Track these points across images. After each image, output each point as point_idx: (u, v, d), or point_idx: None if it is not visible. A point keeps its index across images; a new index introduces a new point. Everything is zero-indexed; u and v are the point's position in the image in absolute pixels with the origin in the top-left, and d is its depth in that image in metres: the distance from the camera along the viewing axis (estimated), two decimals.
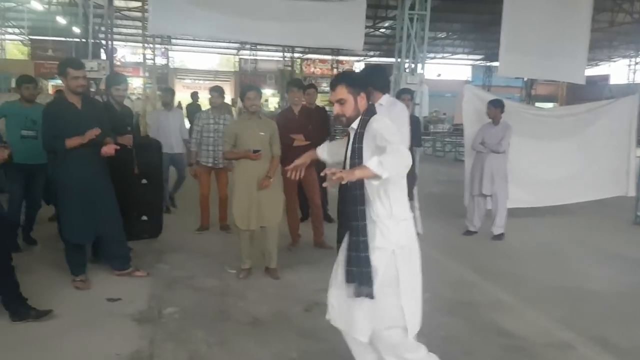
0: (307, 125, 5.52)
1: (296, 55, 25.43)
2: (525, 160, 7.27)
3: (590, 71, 30.33)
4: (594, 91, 24.64)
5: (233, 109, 20.36)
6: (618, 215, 7.94)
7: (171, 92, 7.66)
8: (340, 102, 2.70)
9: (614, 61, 30.44)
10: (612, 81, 29.61)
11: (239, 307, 4.19)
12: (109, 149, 4.25)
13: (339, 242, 2.98)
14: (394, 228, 2.68)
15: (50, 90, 19.95)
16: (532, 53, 7.19)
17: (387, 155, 2.37)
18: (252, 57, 26.34)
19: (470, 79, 30.44)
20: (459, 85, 18.80)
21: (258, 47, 26.12)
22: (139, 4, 18.12)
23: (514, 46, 7.19)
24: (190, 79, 30.90)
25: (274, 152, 4.81)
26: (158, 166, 6.18)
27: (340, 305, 2.83)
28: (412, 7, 6.93)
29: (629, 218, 7.83)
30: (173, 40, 26.76)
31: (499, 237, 6.65)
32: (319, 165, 5.79)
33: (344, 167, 2.78)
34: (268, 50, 28.20)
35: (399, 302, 2.70)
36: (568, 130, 7.63)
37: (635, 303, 4.67)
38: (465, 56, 30.75)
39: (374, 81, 4.28)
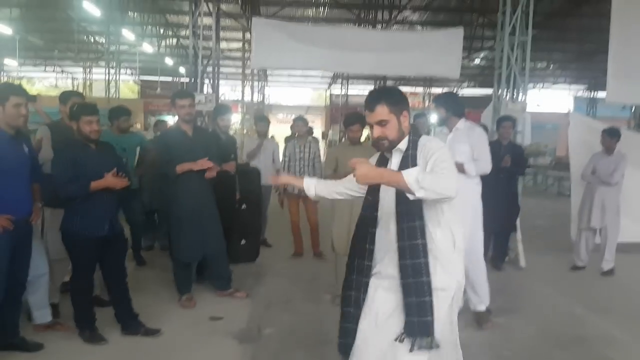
0: None
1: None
2: (638, 191, 6.71)
3: None
4: None
5: (322, 142, 20.75)
6: None
7: (266, 122, 7.31)
8: (381, 123, 2.34)
9: None
10: None
11: (336, 332, 4.16)
12: (211, 173, 4.51)
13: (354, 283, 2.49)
14: (457, 262, 2.33)
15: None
16: None
17: (429, 173, 2.14)
18: (343, 92, 26.84)
19: (572, 109, 28.95)
20: (560, 117, 17.95)
21: (350, 81, 26.60)
22: (239, 44, 19.26)
23: (624, 71, 6.76)
24: (284, 114, 32.03)
25: None
26: (257, 193, 6.40)
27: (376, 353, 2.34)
28: (512, 33, 6.76)
29: None
30: (269, 78, 27.99)
31: (610, 272, 6.17)
32: None
33: (376, 203, 2.43)
34: (359, 84, 28.63)
35: (458, 355, 2.37)
36: None
37: None
38: (567, 86, 29.39)
39: (450, 106, 4.30)
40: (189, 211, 4.48)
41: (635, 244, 6.98)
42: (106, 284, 3.96)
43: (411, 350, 2.22)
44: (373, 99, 2.37)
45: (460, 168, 4.22)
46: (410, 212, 2.24)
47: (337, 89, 29.88)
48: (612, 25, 6.81)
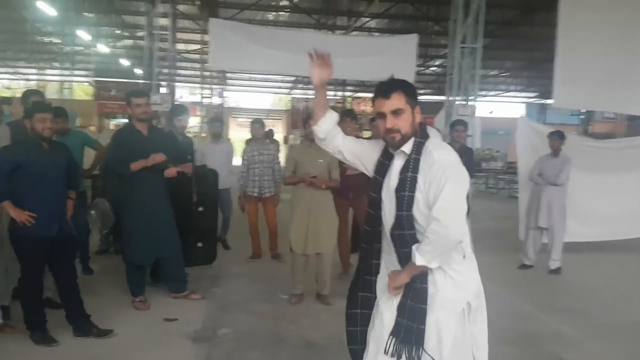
0: None
1: (347, 93, 25.86)
2: (584, 193, 7.05)
3: None
4: None
5: (284, 146, 20.78)
6: None
7: (220, 123, 7.26)
8: (396, 113, 2.11)
9: None
10: None
11: (292, 330, 4.23)
12: (171, 171, 4.48)
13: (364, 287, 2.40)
14: (467, 273, 2.19)
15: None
16: (589, 84, 7.07)
17: (430, 238, 2.01)
18: (304, 96, 26.94)
19: (524, 116, 29.93)
20: (512, 123, 18.47)
21: (310, 85, 26.74)
22: (197, 46, 19.08)
23: (570, 77, 7.10)
24: (244, 118, 31.86)
25: (333, 178, 4.90)
26: (214, 195, 6.35)
27: None
28: (463, 41, 7.00)
29: None
30: (228, 81, 27.81)
31: (556, 271, 6.43)
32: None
33: (375, 205, 2.27)
34: None
35: None
36: (629, 162, 7.37)
37: None
38: (518, 94, 30.37)
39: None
40: (143, 212, 4.43)
41: (581, 243, 7.30)
42: (57, 285, 3.88)
43: (386, 352, 2.15)
44: (390, 85, 2.16)
45: None
46: (411, 226, 2.13)
47: (298, 93, 29.98)
48: (558, 34, 7.14)
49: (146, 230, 4.45)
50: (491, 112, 30.39)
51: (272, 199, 6.45)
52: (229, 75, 26.00)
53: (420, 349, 2.11)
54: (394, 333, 2.14)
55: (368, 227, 2.33)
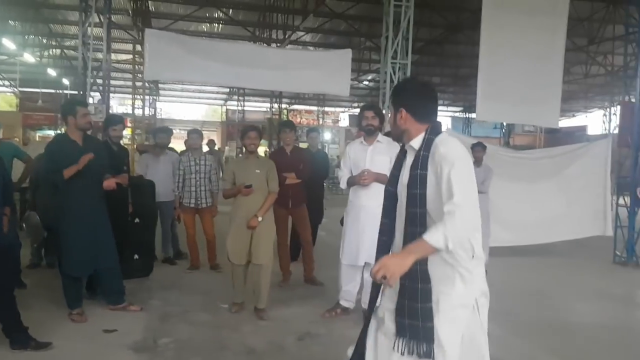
0: (299, 164, 5.75)
1: (283, 105, 26.06)
2: (505, 200, 7.56)
3: (568, 122, 31.47)
4: (571, 141, 25.43)
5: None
6: (596, 254, 8.18)
7: (166, 134, 7.00)
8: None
9: (590, 112, 31.60)
10: (590, 132, 30.63)
11: (233, 338, 4.28)
12: (110, 183, 4.44)
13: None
14: (476, 271, 2.23)
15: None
16: (508, 100, 7.61)
17: (448, 219, 2.03)
18: (239, 108, 26.85)
19: (450, 129, 31.27)
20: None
21: (246, 97, 26.71)
22: (128, 56, 18.66)
23: (491, 93, 7.60)
24: (177, 130, 31.31)
25: (271, 189, 4.89)
26: (151, 206, 6.30)
27: None
28: (394, 56, 7.35)
29: (607, 257, 8.08)
30: (161, 92, 27.29)
31: None
32: (310, 201, 6.05)
33: (391, 198, 2.38)
34: (255, 100, 28.82)
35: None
36: (546, 172, 7.97)
37: (616, 333, 4.86)
38: (445, 108, 31.73)
39: (382, 120, 4.68)
40: (80, 224, 4.36)
41: (504, 248, 7.79)
42: None
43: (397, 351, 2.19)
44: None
45: (384, 179, 4.55)
46: (423, 223, 2.17)
47: (233, 105, 29.84)
48: (480, 52, 7.64)
49: (83, 241, 4.37)
50: None
51: (209, 210, 6.46)
52: (161, 86, 25.56)
53: (432, 345, 2.14)
54: (400, 333, 2.19)
55: (382, 237, 2.41)
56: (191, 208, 6.37)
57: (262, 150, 28.33)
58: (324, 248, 7.48)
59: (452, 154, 2.16)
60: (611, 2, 13.14)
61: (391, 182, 2.40)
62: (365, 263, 4.65)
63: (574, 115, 31.12)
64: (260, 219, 4.74)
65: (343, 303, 4.83)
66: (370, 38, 16.76)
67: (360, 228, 4.58)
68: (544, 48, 7.63)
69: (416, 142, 2.29)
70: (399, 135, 2.40)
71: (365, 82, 24.00)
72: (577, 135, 25.52)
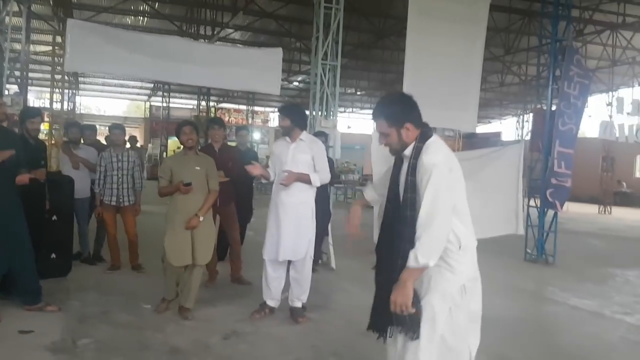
0: (228, 162, 5.71)
1: (211, 103, 25.62)
2: None
3: (484, 128, 33.18)
4: (487, 146, 26.83)
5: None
6: (509, 252, 8.71)
7: (77, 127, 6.82)
8: (383, 135, 2.61)
9: (505, 119, 33.51)
10: (504, 137, 32.46)
11: (156, 338, 4.19)
12: (23, 178, 4.22)
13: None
14: (463, 261, 2.53)
15: None
16: (431, 104, 7.82)
17: (423, 238, 2.32)
18: (164, 104, 26.10)
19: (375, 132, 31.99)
20: (368, 138, 19.78)
21: (171, 93, 26.04)
22: (47, 48, 17.70)
23: (415, 97, 7.88)
24: (98, 125, 29.99)
25: (211, 187, 4.80)
26: (69, 204, 6.03)
27: None
28: (324, 58, 7.46)
29: (519, 254, 8.62)
30: (81, 86, 26.05)
31: None
32: (239, 200, 6.02)
33: (393, 200, 2.61)
34: (182, 97, 28.17)
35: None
36: (463, 174, 8.36)
37: (527, 325, 5.19)
38: (372, 111, 32.47)
39: (295, 118, 4.69)
40: None
41: None
42: None
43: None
44: (374, 113, 2.64)
45: (307, 179, 4.61)
46: (413, 224, 2.42)
47: (157, 101, 28.99)
48: (406, 57, 7.91)
49: None
50: (349, 128, 32.16)
51: (131, 209, 6.27)
52: (81, 79, 24.41)
53: (417, 330, 2.48)
54: (394, 322, 2.55)
55: (387, 221, 2.66)
56: (112, 206, 6.16)
57: None
58: (252, 247, 7.45)
59: (429, 163, 2.41)
60: (527, 14, 14.01)
61: (392, 187, 2.63)
62: (289, 262, 4.72)
63: (489, 122, 32.86)
64: (201, 218, 4.64)
65: (269, 302, 4.84)
66: (301, 39, 16.89)
67: (281, 225, 4.62)
68: (465, 55, 8.02)
69: (408, 150, 2.53)
70: (404, 148, 2.56)
71: (296, 83, 24.13)
72: (492, 140, 27.00)
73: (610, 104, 17.10)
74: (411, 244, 2.39)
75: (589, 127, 23.84)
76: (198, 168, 4.74)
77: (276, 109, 31.55)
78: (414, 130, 2.55)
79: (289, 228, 4.63)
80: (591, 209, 20.08)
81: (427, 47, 7.86)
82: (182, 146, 4.86)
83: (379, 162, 7.77)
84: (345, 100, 28.09)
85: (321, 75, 7.42)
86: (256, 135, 29.57)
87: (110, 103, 35.57)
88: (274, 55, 7.77)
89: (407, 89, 7.81)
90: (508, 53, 17.11)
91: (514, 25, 15.20)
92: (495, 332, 4.91)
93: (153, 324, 4.50)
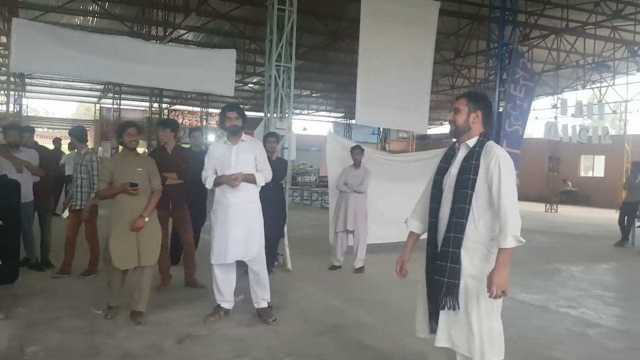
0: (181, 164, 5.65)
1: (164, 105, 25.15)
2: (382, 200, 8.03)
3: (437, 130, 33.91)
4: (440, 146, 27.45)
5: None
6: None
7: (16, 130, 6.48)
8: (456, 110, 2.91)
9: None
10: None
11: (108, 343, 4.10)
12: None
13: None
14: (495, 252, 2.76)
15: None
16: (384, 105, 8.09)
17: (506, 224, 2.63)
18: (115, 106, 25.46)
19: (332, 132, 32.22)
20: (324, 140, 19.98)
21: (122, 95, 25.43)
22: None
23: (369, 99, 8.03)
24: (46, 128, 29.00)
25: (155, 187, 4.75)
26: (16, 208, 5.80)
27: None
28: (278, 60, 7.48)
29: None
30: (28, 87, 25.11)
31: (360, 270, 7.21)
32: (193, 202, 5.95)
33: (439, 186, 2.93)
34: (133, 99, 27.55)
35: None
36: (416, 173, 8.50)
37: None
38: (327, 113, 32.71)
39: (245, 120, 4.76)
40: None
41: (381, 245, 8.25)
42: None
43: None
44: (461, 95, 3.02)
45: (253, 179, 4.64)
46: (465, 202, 2.77)
47: (108, 103, 28.26)
48: (359, 59, 8.04)
49: None
50: (305, 130, 32.25)
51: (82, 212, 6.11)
52: (28, 81, 23.54)
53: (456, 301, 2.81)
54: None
55: (434, 205, 2.96)
56: (75, 210, 6.08)
57: (140, 150, 27.31)
58: (207, 250, 7.38)
59: (506, 158, 2.76)
60: (475, 19, 14.42)
61: (439, 172, 2.97)
62: (238, 262, 4.71)
63: (441, 124, 33.59)
64: (146, 219, 4.59)
65: (223, 305, 4.81)
66: (255, 41, 16.82)
67: (229, 226, 4.61)
68: (416, 58, 8.22)
69: (472, 141, 2.86)
70: (463, 131, 2.89)
71: (250, 85, 24.00)
72: (444, 141, 27.60)
73: (555, 106, 17.80)
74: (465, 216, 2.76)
75: (536, 128, 24.81)
76: (139, 169, 4.69)
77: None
78: (479, 123, 2.89)
79: (240, 228, 4.63)
80: (538, 208, 20.82)
81: (380, 51, 8.03)
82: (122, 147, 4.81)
83: (334, 164, 7.92)
84: (300, 102, 28.14)
85: (275, 77, 7.44)
86: (211, 137, 29.22)
87: (58, 105, 34.44)
88: (227, 57, 7.74)
89: (360, 91, 7.95)
90: (458, 56, 17.58)
91: (464, 30, 15.62)
92: None
93: (105, 329, 4.41)
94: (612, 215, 14.79)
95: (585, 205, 23.77)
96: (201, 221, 6.81)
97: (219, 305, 4.80)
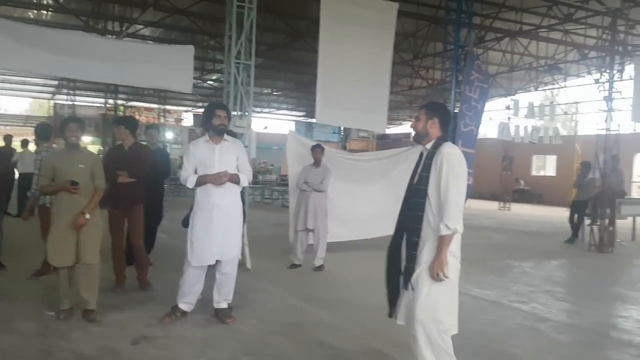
0: (138, 162, 5.52)
1: (120, 101, 24.52)
2: (342, 199, 8.09)
3: (396, 129, 34.34)
4: (399, 146, 27.80)
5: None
6: None
7: None
8: (416, 118, 3.32)
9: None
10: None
11: (61, 345, 4.00)
12: None
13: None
14: (458, 244, 3.27)
15: None
16: (343, 105, 8.14)
17: (444, 214, 3.02)
18: (69, 102, 24.66)
19: (292, 131, 32.17)
20: (285, 139, 19.92)
21: (77, 91, 24.66)
22: None
23: (328, 98, 8.06)
24: None
25: (97, 185, 4.64)
26: None
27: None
28: (238, 57, 7.42)
29: None
30: None
31: (320, 268, 7.24)
32: (149, 201, 5.83)
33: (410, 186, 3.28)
34: (88, 95, 26.75)
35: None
36: (375, 172, 8.68)
37: None
38: (288, 112, 32.62)
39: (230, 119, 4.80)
40: None
41: (341, 244, 8.32)
42: None
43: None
44: (423, 105, 3.44)
45: (237, 179, 4.61)
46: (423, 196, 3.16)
47: (62, 99, 27.34)
48: (319, 59, 8.06)
49: None
50: (266, 128, 32.08)
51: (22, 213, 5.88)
52: None
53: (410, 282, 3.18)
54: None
55: (404, 205, 3.33)
56: (47, 207, 5.78)
57: (95, 148, 26.51)
58: (163, 250, 7.30)
59: (451, 156, 3.09)
60: (433, 21, 14.64)
61: (412, 176, 3.31)
62: (216, 261, 4.66)
63: (401, 124, 34.03)
64: (88, 216, 4.49)
65: (182, 306, 4.74)
66: (215, 37, 16.60)
67: (213, 227, 4.55)
68: (375, 59, 8.31)
69: (430, 145, 3.24)
70: (422, 136, 3.28)
71: (210, 82, 23.69)
72: (403, 141, 28.04)
73: (508, 107, 18.29)
74: (435, 217, 3.10)
75: (490, 128, 25.46)
76: (82, 166, 4.58)
77: (190, 108, 30.91)
78: (436, 128, 3.25)
79: (223, 229, 4.59)
80: (492, 205, 21.39)
81: (339, 51, 8.08)
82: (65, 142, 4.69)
83: (294, 162, 7.92)
84: (261, 100, 27.95)
85: (235, 75, 7.37)
86: (169, 135, 28.72)
87: (11, 101, 33.17)
88: (185, 53, 7.62)
89: (320, 90, 7.98)
90: (416, 58, 17.81)
91: (422, 31, 15.85)
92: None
93: (57, 331, 4.30)
94: (562, 213, 15.33)
95: (538, 204, 24.55)
96: (157, 220, 6.70)
97: (176, 305, 4.73)
